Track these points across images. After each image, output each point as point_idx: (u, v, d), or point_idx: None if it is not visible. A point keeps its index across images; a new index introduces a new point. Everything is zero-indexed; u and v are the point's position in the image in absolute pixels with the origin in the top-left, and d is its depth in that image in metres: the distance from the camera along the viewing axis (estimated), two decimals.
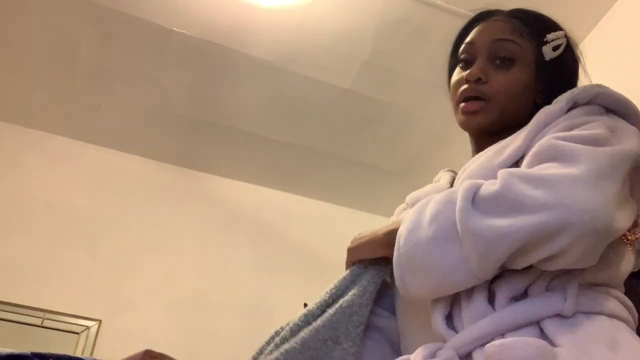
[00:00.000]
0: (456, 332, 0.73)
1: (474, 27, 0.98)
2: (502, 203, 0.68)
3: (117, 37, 2.52)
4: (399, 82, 2.65)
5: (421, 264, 0.72)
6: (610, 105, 0.82)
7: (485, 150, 0.87)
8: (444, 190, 0.78)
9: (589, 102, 0.82)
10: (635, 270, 1.11)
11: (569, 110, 0.81)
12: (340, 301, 0.84)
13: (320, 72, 2.66)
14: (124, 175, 3.03)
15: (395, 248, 0.75)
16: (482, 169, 0.82)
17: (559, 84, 0.90)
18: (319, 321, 0.81)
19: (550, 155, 0.72)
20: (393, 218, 1.00)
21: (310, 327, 0.80)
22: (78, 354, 2.35)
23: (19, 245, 2.62)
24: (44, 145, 2.94)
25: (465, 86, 0.91)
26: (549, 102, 0.88)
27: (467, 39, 0.96)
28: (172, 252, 2.89)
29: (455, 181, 0.88)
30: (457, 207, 0.70)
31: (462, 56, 0.96)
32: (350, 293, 0.85)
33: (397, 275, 0.75)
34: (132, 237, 2.84)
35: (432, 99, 2.53)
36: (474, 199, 0.71)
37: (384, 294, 0.91)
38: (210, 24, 2.46)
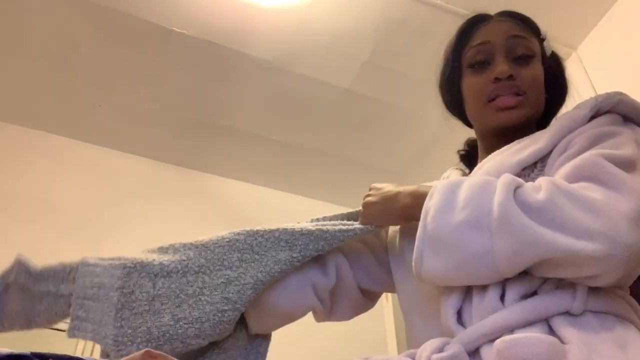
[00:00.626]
0: (465, 327, 0.73)
1: (476, 30, 0.97)
2: (546, 214, 0.67)
3: (117, 37, 2.52)
4: (399, 82, 2.65)
5: (445, 246, 0.71)
6: (630, 113, 0.84)
7: (503, 148, 0.88)
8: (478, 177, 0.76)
9: (610, 109, 0.83)
10: None
11: (592, 117, 0.83)
12: (325, 225, 0.90)
13: (320, 72, 2.66)
14: (124, 175, 3.03)
15: (422, 223, 0.74)
16: (500, 165, 0.83)
17: (558, 79, 0.97)
18: (296, 227, 0.91)
19: (594, 175, 0.72)
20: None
21: (286, 227, 0.91)
22: (78, 354, 2.35)
23: (19, 245, 2.62)
24: (44, 145, 2.94)
25: (496, 84, 0.90)
26: (554, 99, 0.94)
27: (478, 40, 0.95)
28: None
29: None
30: (498, 199, 0.69)
31: (477, 58, 0.95)
32: (337, 228, 0.89)
33: (417, 250, 0.73)
34: (132, 237, 2.84)
35: (432, 99, 2.53)
36: (516, 196, 0.69)
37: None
38: (211, 24, 2.46)
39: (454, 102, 1.03)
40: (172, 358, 0.56)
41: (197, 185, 3.16)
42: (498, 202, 0.69)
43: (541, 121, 0.97)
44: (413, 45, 2.47)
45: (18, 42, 2.54)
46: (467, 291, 0.75)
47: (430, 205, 0.74)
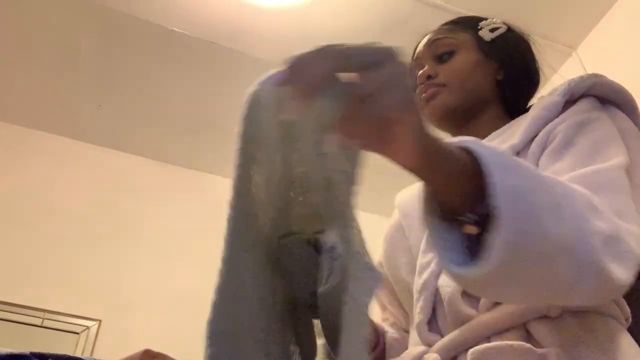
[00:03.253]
0: (441, 335, 0.71)
1: (415, 50, 1.03)
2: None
3: (117, 37, 2.51)
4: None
5: (532, 262, 0.51)
6: (607, 95, 0.81)
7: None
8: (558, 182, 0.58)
9: (585, 93, 0.81)
10: None
11: (566, 102, 0.80)
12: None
13: None
14: (124, 175, 3.03)
15: (508, 215, 0.47)
16: None
17: (515, 60, 0.97)
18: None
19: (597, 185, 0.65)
20: (387, 229, 0.96)
21: None
22: (78, 354, 2.35)
23: (19, 245, 2.62)
24: (44, 145, 2.94)
25: (421, 87, 0.95)
26: (514, 78, 0.95)
27: (413, 58, 1.02)
28: (172, 252, 2.89)
29: None
30: (590, 227, 0.55)
31: (415, 73, 1.00)
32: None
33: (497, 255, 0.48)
34: (132, 237, 2.84)
35: None
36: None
37: None
38: (211, 24, 2.46)
39: None
40: (172, 357, 0.56)
41: (197, 185, 3.16)
42: (587, 232, 0.54)
43: (508, 99, 0.97)
44: (413, 45, 2.47)
45: (18, 43, 2.54)
46: (437, 298, 0.73)
47: (512, 185, 0.48)
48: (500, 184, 0.47)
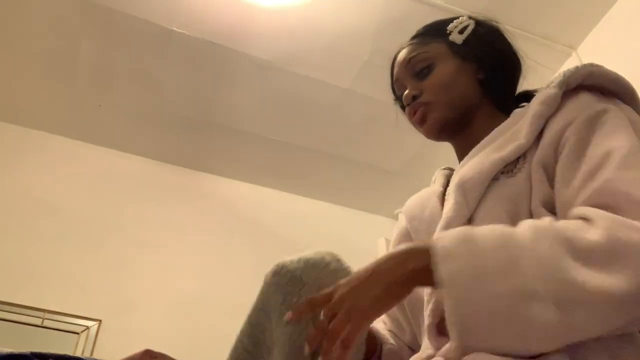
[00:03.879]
0: (449, 338, 0.71)
1: (393, 69, 1.04)
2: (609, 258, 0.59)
3: (117, 37, 2.51)
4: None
5: (498, 322, 0.58)
6: (605, 84, 0.80)
7: (481, 143, 0.86)
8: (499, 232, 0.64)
9: (582, 83, 0.80)
10: None
11: (564, 94, 0.79)
12: None
13: (320, 72, 2.66)
14: (124, 175, 3.03)
15: (451, 294, 0.60)
16: (480, 163, 0.81)
17: (491, 55, 0.96)
18: None
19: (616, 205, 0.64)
20: (394, 234, 0.98)
21: None
22: (78, 354, 2.35)
23: (19, 245, 2.62)
24: (44, 145, 2.94)
25: (409, 108, 0.96)
26: (494, 73, 0.94)
27: (393, 79, 1.03)
28: (172, 252, 2.89)
29: (451, 182, 0.86)
30: (549, 261, 0.58)
31: (398, 95, 1.01)
32: None
33: (458, 337, 0.60)
34: (132, 237, 2.84)
35: None
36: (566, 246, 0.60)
37: None
38: (211, 24, 2.46)
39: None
40: (172, 357, 0.56)
41: (197, 185, 3.16)
42: (551, 265, 0.58)
43: (496, 94, 0.96)
44: None
45: (18, 42, 2.54)
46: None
47: (452, 271, 0.60)
48: (442, 271, 0.60)
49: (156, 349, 0.84)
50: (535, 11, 2.37)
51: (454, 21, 0.99)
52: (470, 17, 1.00)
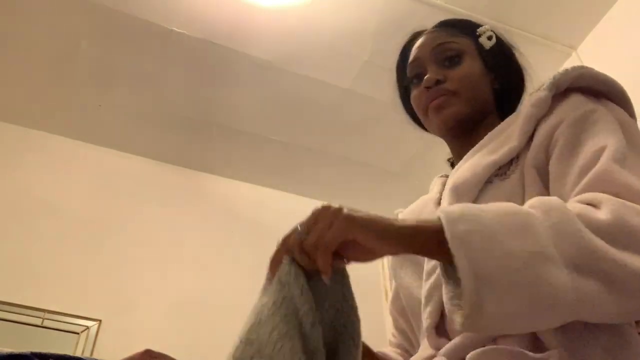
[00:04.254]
0: (449, 339, 0.72)
1: (411, 49, 1.02)
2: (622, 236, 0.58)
3: (117, 37, 2.51)
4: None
5: (513, 283, 0.54)
6: (596, 86, 0.80)
7: (475, 148, 0.87)
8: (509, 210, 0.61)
9: (572, 85, 0.80)
10: None
11: (554, 96, 0.80)
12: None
13: (320, 72, 2.66)
14: (123, 175, 3.03)
15: (462, 254, 0.55)
16: (474, 166, 0.81)
17: (510, 70, 0.97)
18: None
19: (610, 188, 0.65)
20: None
21: None
22: (78, 354, 2.35)
23: (19, 245, 2.62)
24: (44, 145, 2.94)
25: (428, 92, 0.93)
26: (508, 88, 0.94)
27: (411, 58, 1.00)
28: (172, 252, 2.89)
29: (445, 186, 0.86)
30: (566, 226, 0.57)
31: (412, 73, 0.99)
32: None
33: (471, 294, 0.54)
34: (132, 237, 2.84)
35: None
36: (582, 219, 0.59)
37: None
38: (210, 24, 2.46)
39: (414, 117, 1.06)
40: (172, 357, 0.56)
41: (197, 185, 3.16)
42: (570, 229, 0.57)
43: (503, 108, 0.97)
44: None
45: (18, 42, 2.54)
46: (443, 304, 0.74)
47: (463, 231, 0.56)
48: (453, 232, 0.56)
49: (156, 349, 0.84)
50: (535, 11, 2.37)
51: (482, 26, 0.99)
52: (492, 30, 1.01)
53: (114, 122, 2.93)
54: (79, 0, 2.38)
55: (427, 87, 0.93)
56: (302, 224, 0.63)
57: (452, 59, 0.94)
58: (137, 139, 3.01)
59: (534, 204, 0.61)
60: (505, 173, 0.79)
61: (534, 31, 2.42)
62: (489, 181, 0.79)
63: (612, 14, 2.39)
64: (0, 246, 2.59)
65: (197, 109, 2.85)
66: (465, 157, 0.87)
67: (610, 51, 2.34)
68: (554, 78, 0.80)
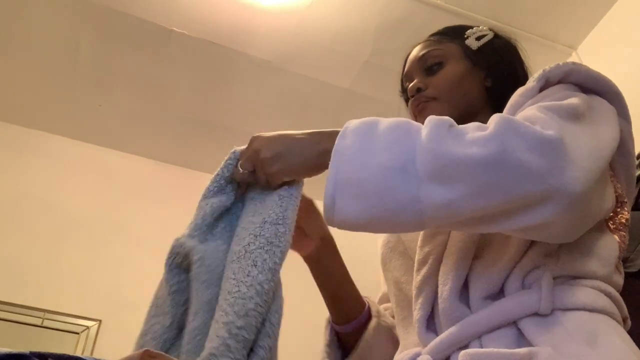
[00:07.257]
0: (437, 334, 0.72)
1: (404, 63, 1.07)
2: (500, 164, 0.61)
3: (117, 37, 2.52)
4: (399, 82, 2.65)
5: (365, 191, 0.64)
6: (586, 83, 0.80)
7: None
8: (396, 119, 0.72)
9: (562, 80, 0.80)
10: (635, 270, 1.11)
11: (541, 89, 0.80)
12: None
13: (320, 72, 2.66)
14: (124, 175, 3.03)
15: (334, 164, 0.67)
16: None
17: (502, 66, 0.97)
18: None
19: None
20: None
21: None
22: (78, 354, 2.35)
23: (19, 245, 2.62)
24: (44, 145, 2.94)
25: (413, 100, 0.97)
26: (502, 83, 0.95)
27: (403, 73, 1.06)
28: None
29: None
30: (426, 142, 0.64)
31: (405, 86, 1.03)
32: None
33: (329, 195, 0.66)
34: (132, 237, 2.84)
35: None
36: (450, 134, 0.65)
37: None
38: (210, 24, 2.46)
39: None
40: (172, 358, 0.56)
41: (197, 185, 3.15)
42: (427, 145, 0.64)
43: (498, 105, 0.97)
44: (412, 45, 2.47)
45: (18, 42, 2.54)
46: (435, 297, 0.74)
47: (343, 146, 0.67)
48: (336, 144, 0.69)
49: None
50: (535, 11, 2.37)
51: (474, 27, 1.02)
52: (490, 29, 1.02)
53: (114, 122, 2.93)
54: (79, 0, 2.38)
55: (412, 96, 0.98)
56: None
57: (433, 67, 0.98)
58: (137, 139, 3.02)
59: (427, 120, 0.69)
60: None
61: (534, 31, 2.42)
62: None
63: (612, 14, 2.39)
64: (0, 246, 2.59)
65: (197, 109, 2.85)
66: None
67: (610, 51, 2.34)
68: (544, 71, 0.81)
